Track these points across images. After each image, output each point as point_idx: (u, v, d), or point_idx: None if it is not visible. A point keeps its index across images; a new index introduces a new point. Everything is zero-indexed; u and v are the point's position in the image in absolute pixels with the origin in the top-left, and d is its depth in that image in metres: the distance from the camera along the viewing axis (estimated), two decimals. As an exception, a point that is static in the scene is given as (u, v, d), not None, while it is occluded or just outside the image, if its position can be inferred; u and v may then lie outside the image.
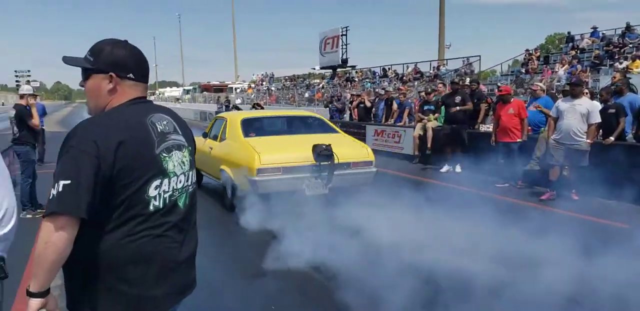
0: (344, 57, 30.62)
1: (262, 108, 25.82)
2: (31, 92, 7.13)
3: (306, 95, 30.75)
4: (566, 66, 17.53)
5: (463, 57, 23.62)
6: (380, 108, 13.91)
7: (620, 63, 15.76)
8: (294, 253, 4.65)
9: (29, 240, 3.04)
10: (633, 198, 6.75)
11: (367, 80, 28.04)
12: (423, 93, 12.23)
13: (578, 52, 19.01)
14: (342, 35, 30.57)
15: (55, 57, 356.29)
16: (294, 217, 5.47)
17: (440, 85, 12.35)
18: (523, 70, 20.13)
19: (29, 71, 28.16)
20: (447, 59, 26.15)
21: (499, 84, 16.48)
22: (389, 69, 27.99)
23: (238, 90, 44.77)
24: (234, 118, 7.55)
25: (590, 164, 7.02)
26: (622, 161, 7.02)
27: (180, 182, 1.85)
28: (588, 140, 7.01)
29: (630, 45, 17.31)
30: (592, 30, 20.22)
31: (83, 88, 1.87)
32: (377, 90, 17.28)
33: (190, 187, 1.93)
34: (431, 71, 24.45)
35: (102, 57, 1.78)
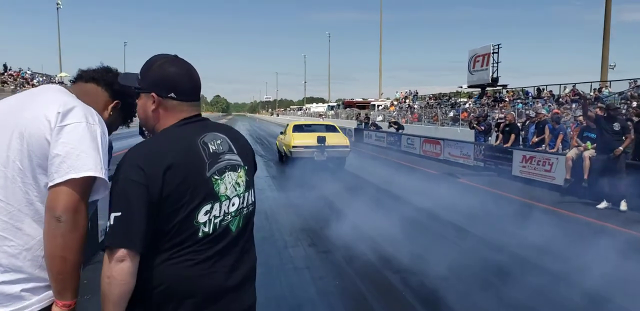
0: (495, 75, 29.19)
1: (400, 126, 25.35)
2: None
3: (450, 114, 29.61)
4: None
5: (630, 79, 21.14)
6: (531, 132, 12.76)
7: None
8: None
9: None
10: None
11: (519, 100, 26.25)
12: (581, 118, 10.90)
13: None
14: (493, 53, 29.22)
15: (216, 73, 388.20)
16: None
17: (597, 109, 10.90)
18: None
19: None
20: (610, 81, 23.75)
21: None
22: (543, 89, 26.00)
23: (380, 108, 44.67)
24: (290, 123, 15.79)
25: None
26: None
27: (233, 205, 1.74)
28: None
29: None
30: None
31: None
32: (528, 111, 15.91)
33: (246, 209, 1.81)
34: (591, 93, 22.20)
35: (147, 75, 1.72)
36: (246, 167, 1.84)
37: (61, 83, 21.77)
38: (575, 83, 23.95)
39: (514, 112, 21.08)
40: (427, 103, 37.62)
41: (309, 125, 15.89)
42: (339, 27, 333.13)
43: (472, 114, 25.74)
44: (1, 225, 1.65)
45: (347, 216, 7.41)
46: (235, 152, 1.80)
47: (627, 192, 8.39)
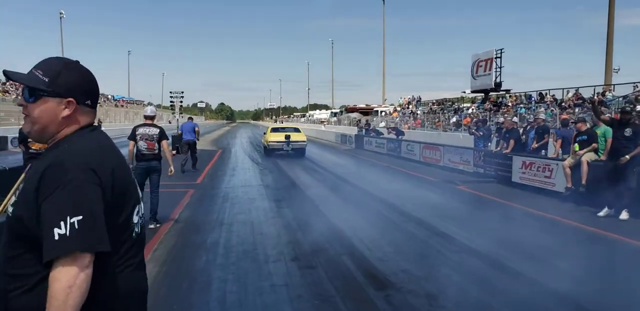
0: (498, 80, 28.87)
1: (400, 132, 25.09)
2: (153, 114, 7.32)
3: (453, 119, 29.32)
4: None
5: (634, 83, 20.80)
6: (531, 137, 12.47)
7: None
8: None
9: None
10: None
11: (522, 105, 25.93)
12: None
13: None
14: (496, 58, 28.88)
15: (223, 80, 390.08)
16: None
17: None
18: None
19: (182, 93, 30.12)
20: (614, 84, 23.45)
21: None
22: (546, 93, 25.67)
23: (383, 114, 44.41)
24: (269, 127, 24.29)
25: None
26: None
27: (142, 208, 1.78)
28: None
29: None
30: None
31: (29, 107, 1.63)
32: (529, 116, 15.59)
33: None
34: (595, 97, 21.82)
35: (60, 79, 1.61)
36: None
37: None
38: (578, 88, 23.63)
39: (517, 116, 20.79)
40: (431, 108, 37.34)
41: (282, 128, 23.73)
42: (342, 34, 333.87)
43: (474, 119, 25.45)
44: None
45: (339, 225, 7.17)
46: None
47: (631, 201, 8.03)
